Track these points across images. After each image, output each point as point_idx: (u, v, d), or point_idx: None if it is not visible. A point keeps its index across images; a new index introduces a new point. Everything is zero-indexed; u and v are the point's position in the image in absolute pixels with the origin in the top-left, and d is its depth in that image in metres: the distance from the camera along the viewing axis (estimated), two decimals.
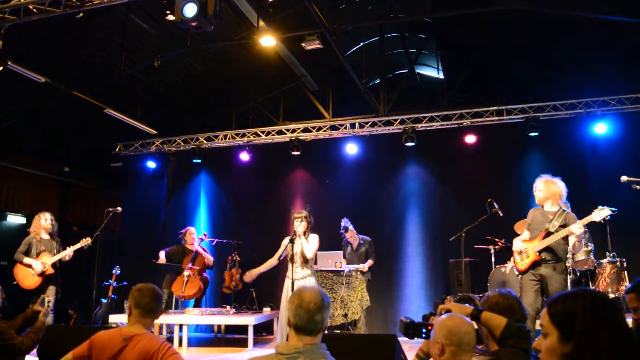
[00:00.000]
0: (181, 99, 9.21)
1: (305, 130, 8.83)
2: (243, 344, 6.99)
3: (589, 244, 6.02)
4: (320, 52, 6.98)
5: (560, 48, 7.77)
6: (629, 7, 6.02)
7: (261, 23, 6.30)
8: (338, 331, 6.78)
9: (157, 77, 8.38)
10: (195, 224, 9.13)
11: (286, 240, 5.34)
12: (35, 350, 3.77)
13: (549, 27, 7.43)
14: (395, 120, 8.37)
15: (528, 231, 4.77)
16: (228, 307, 7.56)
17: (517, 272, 4.85)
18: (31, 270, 6.02)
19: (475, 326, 2.14)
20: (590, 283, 6.22)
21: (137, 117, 8.26)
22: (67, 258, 6.21)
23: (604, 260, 6.05)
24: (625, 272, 5.99)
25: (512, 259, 4.92)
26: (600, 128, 7.48)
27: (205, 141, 9.28)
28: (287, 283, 5.13)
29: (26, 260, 6.03)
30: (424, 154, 8.45)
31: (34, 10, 5.43)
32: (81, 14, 5.56)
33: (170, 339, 6.68)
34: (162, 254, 7.53)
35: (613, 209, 5.95)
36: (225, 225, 9.24)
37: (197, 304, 7.73)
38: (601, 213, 4.37)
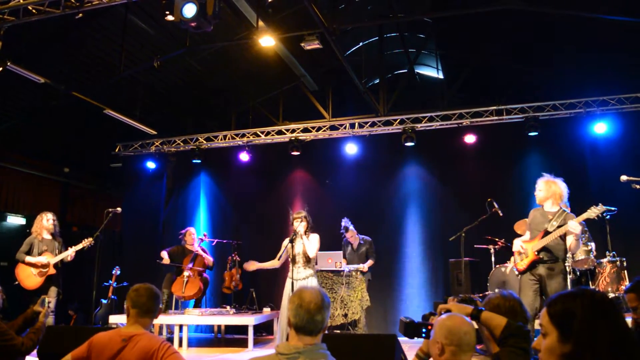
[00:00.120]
0: (181, 99, 9.21)
1: (305, 130, 8.84)
2: (243, 344, 6.99)
3: (589, 243, 6.02)
4: (320, 52, 6.99)
5: (560, 48, 7.77)
6: (629, 7, 6.03)
7: (260, 23, 6.30)
8: (338, 331, 6.77)
9: (157, 78, 8.38)
10: (195, 224, 9.13)
11: (286, 242, 5.34)
12: (35, 351, 3.76)
13: (549, 27, 7.43)
14: (395, 120, 8.37)
15: (529, 231, 4.78)
16: (228, 307, 7.55)
17: (516, 272, 4.86)
18: (33, 270, 6.02)
19: (476, 326, 2.14)
20: (590, 282, 6.22)
21: (137, 118, 8.26)
22: (69, 259, 6.20)
23: (604, 260, 6.05)
24: (625, 271, 5.99)
25: (512, 259, 4.92)
26: (600, 127, 7.49)
27: (204, 141, 9.29)
28: (289, 283, 5.13)
29: (28, 259, 6.02)
30: (423, 154, 8.45)
31: (34, 11, 5.43)
32: (80, 15, 5.56)
33: (170, 340, 6.67)
34: (165, 254, 7.53)
35: (612, 208, 5.97)
36: (225, 225, 9.24)
37: (197, 305, 7.73)
38: (597, 210, 4.38)
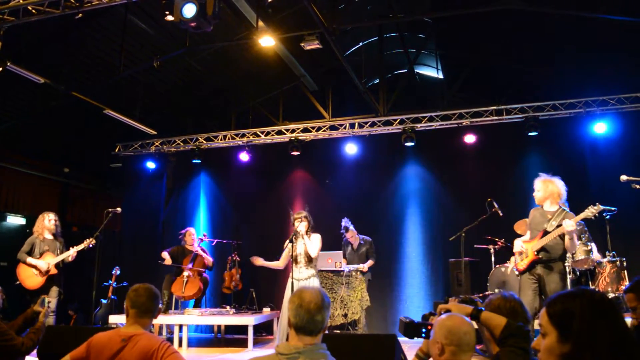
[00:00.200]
0: (180, 99, 9.21)
1: (305, 130, 8.84)
2: (243, 344, 6.99)
3: (589, 243, 6.02)
4: (320, 52, 6.99)
5: (560, 48, 7.77)
6: (629, 7, 6.03)
7: (260, 23, 6.30)
8: (338, 331, 6.77)
9: (157, 78, 8.38)
10: (195, 224, 9.13)
11: (288, 242, 5.35)
12: (35, 351, 3.77)
13: (549, 27, 7.43)
14: (395, 120, 8.37)
15: (529, 231, 4.79)
16: (228, 307, 7.56)
17: (517, 272, 4.86)
18: (34, 270, 6.01)
19: (476, 326, 2.14)
20: (590, 282, 6.22)
21: (137, 118, 8.26)
22: (70, 259, 6.19)
23: (604, 260, 6.05)
24: (625, 271, 5.98)
25: (512, 259, 4.93)
26: (600, 127, 7.48)
27: (204, 141, 9.29)
28: (290, 283, 5.13)
29: (30, 260, 6.01)
30: (423, 154, 8.45)
31: (33, 11, 5.43)
32: (80, 15, 5.56)
33: (170, 340, 6.67)
34: (166, 255, 7.53)
35: (612, 208, 5.98)
36: (225, 225, 9.24)
37: (197, 305, 7.73)
38: (593, 209, 4.40)
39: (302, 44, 6.62)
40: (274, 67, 8.20)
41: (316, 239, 5.30)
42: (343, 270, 6.90)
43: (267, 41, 6.42)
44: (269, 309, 7.51)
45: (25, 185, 8.97)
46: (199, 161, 9.22)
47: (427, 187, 8.39)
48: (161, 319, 6.99)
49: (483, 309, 2.21)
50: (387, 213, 8.43)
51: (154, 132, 8.82)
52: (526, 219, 5.11)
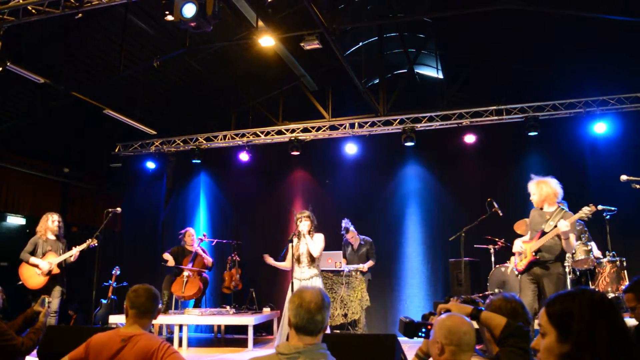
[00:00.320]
0: (180, 99, 9.21)
1: (305, 130, 8.84)
2: (243, 344, 6.99)
3: (589, 243, 6.02)
4: (320, 52, 6.99)
5: (560, 48, 7.77)
6: (629, 7, 6.03)
7: (260, 23, 6.30)
8: (338, 331, 6.77)
9: (157, 78, 8.38)
10: (195, 224, 9.13)
11: (294, 242, 5.35)
12: (35, 351, 3.77)
13: (549, 27, 7.43)
14: (395, 120, 8.37)
15: (529, 232, 4.80)
16: (228, 307, 7.56)
17: (516, 273, 4.87)
18: (37, 270, 6.02)
19: (477, 326, 2.14)
20: (590, 282, 6.22)
21: (137, 118, 8.26)
22: (72, 259, 6.20)
23: (604, 260, 6.05)
24: (625, 271, 5.99)
25: (512, 259, 4.94)
26: (600, 127, 7.48)
27: (204, 141, 9.29)
28: (294, 284, 5.13)
29: (32, 260, 6.01)
30: (423, 154, 8.45)
31: (33, 11, 5.42)
32: (80, 15, 5.56)
33: (170, 340, 6.68)
34: (169, 256, 7.54)
35: (612, 208, 5.98)
36: (225, 225, 9.24)
37: (197, 305, 7.73)
38: (587, 210, 4.43)
39: (302, 44, 6.62)
40: (274, 67, 8.20)
41: (319, 239, 5.30)
42: (343, 270, 6.91)
43: (267, 41, 6.42)
44: (269, 309, 7.51)
45: (25, 185, 8.97)
46: (198, 161, 9.22)
47: (427, 187, 8.39)
48: (161, 319, 6.99)
49: (483, 308, 2.21)
50: (387, 213, 8.43)
51: (154, 132, 8.82)
52: (526, 219, 5.12)
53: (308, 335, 1.98)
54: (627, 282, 5.80)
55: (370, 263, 7.17)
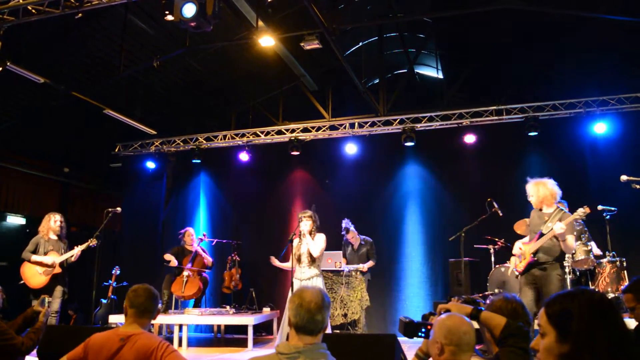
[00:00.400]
0: (180, 99, 9.21)
1: (305, 130, 8.84)
2: (243, 344, 6.99)
3: (589, 243, 6.02)
4: (320, 52, 6.99)
5: (559, 48, 7.77)
6: (629, 7, 6.03)
7: (260, 23, 6.30)
8: (338, 331, 6.77)
9: (157, 78, 8.39)
10: (195, 224, 9.13)
11: (295, 242, 5.35)
12: (35, 351, 3.77)
13: (549, 27, 7.43)
14: (395, 120, 8.37)
15: (530, 232, 4.81)
16: (228, 307, 7.56)
17: (516, 274, 4.88)
18: (38, 269, 6.02)
19: (477, 326, 2.14)
20: (590, 283, 6.22)
21: (137, 118, 8.26)
22: (73, 259, 6.21)
23: (604, 260, 6.05)
24: (625, 271, 5.99)
25: (512, 259, 4.95)
26: (600, 127, 7.48)
27: (204, 141, 9.29)
28: (295, 283, 5.13)
29: (34, 257, 6.02)
30: (423, 154, 8.44)
31: (33, 11, 5.43)
32: (80, 15, 5.56)
33: (170, 339, 6.68)
34: (171, 257, 7.54)
35: (612, 208, 5.99)
36: (225, 225, 9.24)
37: (196, 304, 7.74)
38: (581, 211, 4.45)
39: (302, 44, 6.62)
40: (274, 67, 8.21)
41: (320, 239, 5.30)
42: (343, 270, 6.90)
43: (267, 41, 6.43)
44: (268, 309, 7.51)
45: (25, 185, 8.98)
46: (198, 161, 9.22)
47: (427, 187, 8.39)
48: (161, 319, 6.99)
49: (483, 308, 2.21)
50: (387, 213, 8.43)
51: (154, 132, 8.82)
52: (526, 219, 5.12)
53: (308, 335, 1.98)
54: (627, 283, 5.79)
55: (370, 263, 7.16)
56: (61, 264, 6.11)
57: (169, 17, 4.66)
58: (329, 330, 4.51)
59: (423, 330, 2.24)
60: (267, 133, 9.04)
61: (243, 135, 9.15)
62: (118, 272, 8.02)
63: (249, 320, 6.72)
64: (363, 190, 8.61)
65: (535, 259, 4.54)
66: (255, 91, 9.37)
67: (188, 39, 7.22)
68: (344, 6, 7.29)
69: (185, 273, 7.38)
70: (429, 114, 8.26)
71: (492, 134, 8.04)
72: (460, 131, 8.15)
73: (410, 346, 5.09)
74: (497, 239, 6.68)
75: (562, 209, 4.58)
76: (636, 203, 6.29)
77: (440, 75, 9.10)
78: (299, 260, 5.28)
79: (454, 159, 8.35)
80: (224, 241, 8.49)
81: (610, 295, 5.74)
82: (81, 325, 7.93)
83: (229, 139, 9.22)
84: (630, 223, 6.73)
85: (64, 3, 5.32)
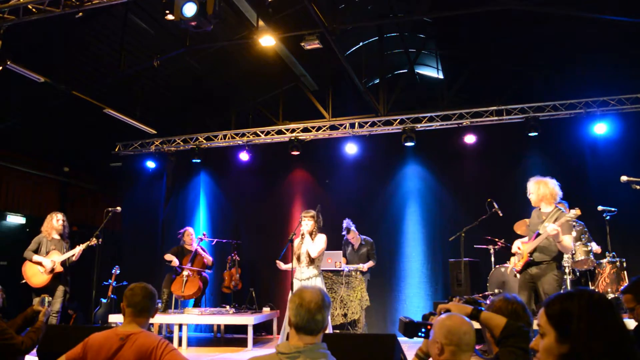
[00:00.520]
0: (180, 98, 9.22)
1: (305, 130, 8.83)
2: (243, 343, 6.99)
3: (589, 243, 6.02)
4: (320, 52, 6.99)
5: (560, 48, 7.77)
6: (629, 7, 6.03)
7: (261, 23, 6.30)
8: (337, 331, 6.77)
9: (157, 77, 8.38)
10: (195, 223, 9.13)
11: (296, 242, 5.35)
12: (35, 350, 3.77)
13: (549, 27, 7.43)
14: (395, 120, 8.37)
15: (529, 232, 4.83)
16: (227, 306, 7.56)
17: (515, 273, 4.90)
18: (40, 267, 6.03)
19: (479, 327, 2.14)
20: (590, 283, 6.22)
21: (137, 117, 8.26)
22: (74, 258, 6.22)
23: (604, 260, 6.05)
24: (625, 272, 5.99)
25: (512, 259, 4.96)
26: (600, 128, 7.48)
27: (204, 141, 9.28)
28: (295, 283, 5.14)
29: (35, 257, 6.03)
30: (423, 154, 8.44)
31: (33, 10, 5.43)
32: (80, 14, 5.56)
33: (169, 339, 6.67)
34: (173, 257, 7.53)
35: (612, 209, 5.99)
36: (225, 225, 9.24)
37: (196, 304, 7.74)
38: (573, 213, 4.45)
39: (302, 44, 6.63)
40: (274, 66, 8.21)
41: (320, 240, 5.29)
42: (343, 270, 6.90)
43: (267, 41, 6.42)
44: (268, 309, 7.51)
45: (25, 184, 8.98)
46: (198, 161, 9.22)
47: (427, 187, 8.39)
48: (161, 318, 6.99)
49: (483, 308, 2.21)
50: (387, 213, 8.43)
51: (154, 132, 8.82)
52: (526, 220, 5.13)
53: (308, 335, 1.98)
54: (626, 283, 5.79)
55: (370, 263, 7.16)
56: (63, 263, 6.12)
57: (170, 17, 4.65)
58: (329, 330, 4.52)
59: (423, 330, 2.24)
60: (267, 133, 9.04)
61: (243, 135, 9.15)
62: (118, 271, 8.01)
63: (248, 320, 6.72)
64: (363, 190, 8.61)
65: (532, 258, 4.56)
66: (255, 91, 9.37)
67: (188, 39, 7.22)
68: (345, 6, 7.30)
69: (185, 273, 7.38)
70: (429, 114, 8.26)
71: (493, 134, 8.04)
72: (461, 131, 8.14)
73: (410, 346, 5.10)
74: (497, 239, 6.67)
75: (560, 209, 4.58)
76: (636, 204, 6.29)
77: (441, 75, 9.10)
78: (298, 259, 5.28)
79: (454, 159, 8.35)
80: (224, 241, 8.49)
81: (610, 296, 5.74)
82: (81, 325, 7.92)
83: (229, 138, 9.22)
84: (630, 223, 6.73)
85: (65, 2, 5.32)
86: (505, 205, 6.43)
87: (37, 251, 6.10)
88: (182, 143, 9.41)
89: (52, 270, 6.02)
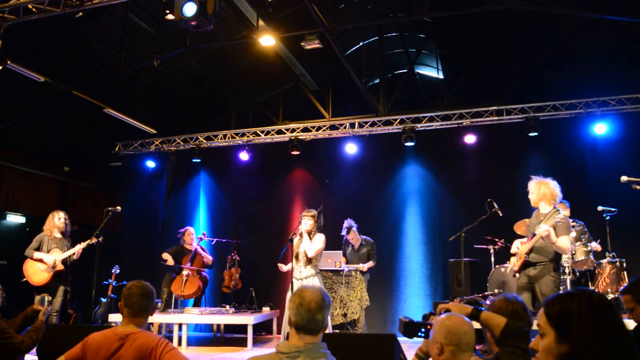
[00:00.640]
0: (181, 98, 9.21)
1: (305, 129, 8.83)
2: (242, 343, 6.99)
3: (589, 244, 6.02)
4: (320, 51, 6.99)
5: (560, 48, 7.77)
6: (629, 7, 6.03)
7: (261, 22, 6.30)
8: (337, 331, 6.78)
9: (157, 77, 8.38)
10: (195, 223, 9.13)
11: (295, 241, 5.35)
12: (35, 349, 3.77)
13: (549, 27, 7.43)
14: (395, 120, 8.37)
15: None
16: (227, 306, 7.56)
17: (514, 273, 4.90)
18: (41, 265, 6.03)
19: (479, 327, 2.14)
20: (589, 283, 6.23)
21: (137, 117, 8.26)
22: (75, 256, 6.22)
23: (604, 261, 6.05)
24: (625, 272, 5.99)
25: (512, 259, 4.98)
26: (600, 128, 7.47)
27: (204, 141, 9.28)
28: (294, 283, 5.14)
29: (36, 254, 6.04)
30: (423, 154, 8.44)
31: (33, 9, 5.42)
32: (80, 13, 5.56)
33: (169, 338, 6.67)
34: (168, 256, 7.55)
35: (612, 209, 5.99)
36: (225, 224, 9.24)
37: (196, 304, 7.74)
38: (563, 214, 4.45)
39: (302, 44, 6.62)
40: (274, 66, 8.20)
41: (318, 240, 5.29)
42: (343, 270, 6.90)
43: (267, 40, 6.42)
44: (268, 308, 7.52)
45: (25, 183, 8.97)
46: (198, 160, 9.22)
47: (427, 187, 8.39)
48: (161, 318, 7.00)
49: (483, 308, 2.21)
50: (387, 213, 8.43)
51: (154, 131, 8.82)
52: (527, 220, 5.14)
53: (308, 335, 1.98)
54: (626, 283, 5.79)
55: (370, 263, 7.15)
56: (64, 262, 6.13)
57: (170, 16, 4.65)
58: (329, 330, 4.52)
59: (423, 330, 2.25)
60: (267, 132, 9.04)
61: (243, 134, 9.15)
62: (118, 271, 8.01)
63: (248, 319, 6.73)
64: (363, 190, 8.61)
65: (528, 259, 4.57)
66: (255, 91, 9.37)
67: (188, 38, 7.22)
68: (345, 6, 7.29)
69: (185, 272, 7.38)
70: (429, 114, 8.26)
71: (493, 134, 8.04)
72: (461, 131, 8.14)
73: (410, 346, 5.10)
74: (497, 239, 6.68)
75: (558, 210, 4.58)
76: (636, 204, 6.29)
77: (441, 75, 9.10)
78: (296, 258, 5.29)
79: (454, 159, 8.35)
80: (224, 240, 8.49)
81: (610, 296, 5.74)
82: (81, 324, 7.92)
83: (229, 138, 9.22)
84: (631, 224, 6.73)
85: (65, 2, 5.32)
86: (505, 205, 6.43)
87: (38, 249, 6.12)
88: (182, 143, 9.41)
89: (54, 267, 6.02)
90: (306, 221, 5.32)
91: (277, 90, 9.34)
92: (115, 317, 7.04)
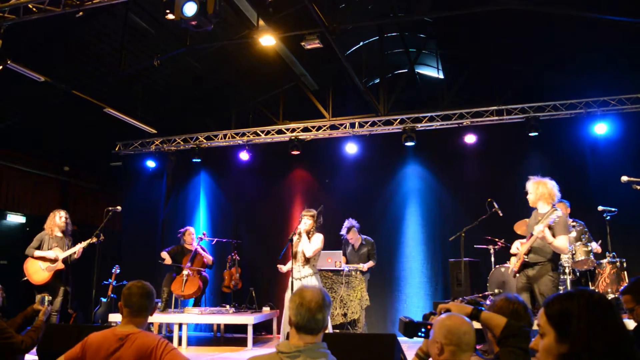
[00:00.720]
0: (181, 98, 9.21)
1: (305, 129, 8.83)
2: (242, 343, 6.99)
3: (589, 244, 6.02)
4: (320, 51, 6.99)
5: (560, 48, 7.77)
6: (630, 7, 6.03)
7: (261, 22, 6.30)
8: (337, 330, 6.78)
9: (157, 76, 8.38)
10: (195, 223, 9.13)
11: (294, 240, 5.35)
12: (35, 349, 3.77)
13: (549, 27, 7.42)
14: (395, 119, 8.37)
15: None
16: (227, 306, 7.56)
17: (513, 273, 4.91)
18: (41, 264, 6.03)
19: (479, 327, 2.14)
20: (590, 283, 6.22)
21: (137, 117, 8.25)
22: (76, 256, 6.23)
23: (604, 261, 6.05)
24: (625, 272, 5.99)
25: (512, 259, 4.98)
26: (601, 128, 7.47)
27: (204, 140, 9.28)
28: (294, 283, 5.14)
29: (37, 252, 6.04)
30: (423, 154, 8.44)
31: (34, 9, 5.43)
32: (81, 13, 5.56)
33: (169, 338, 6.67)
34: (166, 255, 7.55)
35: (612, 209, 5.99)
36: (225, 224, 9.25)
37: (196, 303, 7.74)
38: (556, 214, 4.45)
39: (302, 43, 6.62)
40: (275, 66, 8.20)
41: (316, 240, 5.29)
42: (343, 270, 6.90)
43: (267, 40, 6.42)
44: (268, 308, 7.51)
45: (25, 183, 8.97)
46: (199, 160, 9.22)
47: (427, 187, 8.39)
48: (161, 318, 7.00)
49: (483, 308, 2.21)
50: (387, 213, 8.43)
51: (154, 131, 8.82)
52: (527, 220, 5.14)
53: (308, 334, 1.98)
54: (626, 283, 5.79)
55: (370, 263, 7.15)
56: (64, 261, 6.13)
57: (170, 16, 4.65)
58: (329, 330, 4.52)
59: (423, 330, 2.25)
60: (268, 132, 9.04)
61: (243, 134, 9.15)
62: (118, 270, 8.01)
63: (248, 319, 6.73)
64: (363, 190, 8.61)
65: (527, 259, 4.57)
66: (255, 90, 9.37)
67: (189, 38, 7.22)
68: (345, 6, 7.29)
69: (185, 272, 7.38)
70: (429, 114, 8.26)
71: (493, 134, 8.04)
72: (461, 131, 8.14)
73: (410, 346, 5.10)
74: (497, 239, 6.68)
75: (555, 209, 4.58)
76: (637, 204, 6.29)
77: (441, 75, 9.10)
78: (295, 257, 5.29)
79: (455, 159, 8.35)
80: (224, 240, 8.50)
81: (610, 296, 5.74)
82: (81, 324, 7.92)
83: (229, 138, 9.22)
84: (631, 224, 6.73)
85: (65, 1, 5.32)
86: (505, 205, 6.43)
87: (39, 248, 6.14)
88: (182, 142, 9.41)
89: (56, 259, 6.03)
90: (305, 220, 5.33)
91: (277, 90, 9.33)
92: (115, 317, 7.04)
